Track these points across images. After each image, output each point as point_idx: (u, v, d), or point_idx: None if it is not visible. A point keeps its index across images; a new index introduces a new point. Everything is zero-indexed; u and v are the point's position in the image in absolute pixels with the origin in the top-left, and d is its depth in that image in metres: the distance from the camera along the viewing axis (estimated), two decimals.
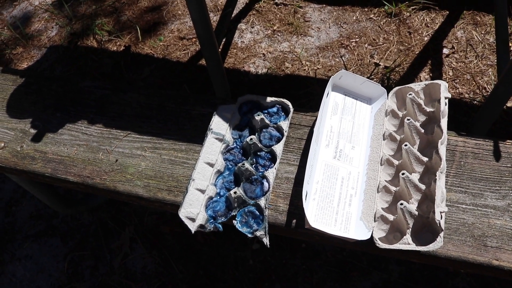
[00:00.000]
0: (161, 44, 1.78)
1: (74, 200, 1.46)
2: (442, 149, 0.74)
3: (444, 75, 1.50)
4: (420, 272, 1.23)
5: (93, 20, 1.90)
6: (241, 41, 1.71)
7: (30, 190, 1.25)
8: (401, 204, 0.71)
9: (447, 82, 1.47)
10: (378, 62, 1.54)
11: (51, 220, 1.49)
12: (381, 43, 1.59)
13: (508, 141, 0.85)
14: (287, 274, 1.28)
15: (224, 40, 1.72)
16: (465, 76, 1.49)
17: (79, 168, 0.93)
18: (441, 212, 0.68)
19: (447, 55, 1.53)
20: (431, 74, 1.51)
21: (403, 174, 0.74)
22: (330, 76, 1.52)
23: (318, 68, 1.57)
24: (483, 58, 1.51)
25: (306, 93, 1.52)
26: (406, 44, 1.57)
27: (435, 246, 0.67)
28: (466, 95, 1.45)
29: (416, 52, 1.54)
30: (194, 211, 0.79)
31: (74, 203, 1.45)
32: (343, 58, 1.58)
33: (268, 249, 1.28)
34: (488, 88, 1.45)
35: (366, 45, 1.59)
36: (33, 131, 1.01)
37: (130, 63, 1.76)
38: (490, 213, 0.78)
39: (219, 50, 1.65)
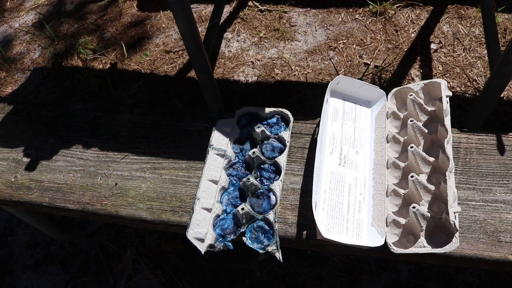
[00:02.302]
0: (147, 59, 1.76)
1: (72, 226, 1.42)
2: (449, 148, 0.73)
3: (434, 70, 1.51)
4: (429, 269, 1.23)
5: (76, 39, 1.87)
6: (228, 51, 1.69)
7: (27, 220, 1.21)
8: (413, 207, 0.70)
9: (437, 77, 1.47)
10: (367, 62, 1.54)
11: (49, 248, 1.45)
12: (369, 43, 1.59)
13: (510, 134, 0.85)
14: (296, 283, 1.26)
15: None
16: (454, 69, 1.49)
17: (78, 195, 0.91)
18: (454, 213, 0.67)
19: (435, 50, 1.53)
20: (421, 71, 1.51)
21: (412, 176, 0.73)
22: (321, 80, 1.51)
23: (308, 72, 1.56)
24: (470, 50, 1.52)
25: (299, 99, 1.51)
26: (394, 42, 1.57)
27: (452, 247, 0.66)
28: (458, 89, 1.45)
29: (405, 50, 1.55)
30: (202, 231, 0.77)
31: (72, 228, 1.41)
32: (332, 60, 1.57)
33: (274, 260, 1.26)
34: (479, 80, 1.46)
35: (354, 46, 1.59)
36: (26, 159, 0.98)
37: (118, 81, 1.73)
38: (501, 208, 0.77)
39: None
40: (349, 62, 1.56)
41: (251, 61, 1.64)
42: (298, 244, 0.81)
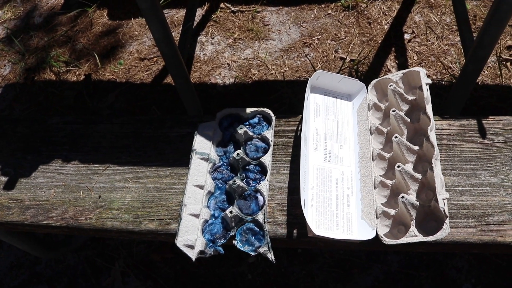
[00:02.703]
0: (122, 68, 1.74)
1: (56, 243, 1.39)
2: (433, 136, 0.73)
3: (409, 60, 1.52)
4: (419, 258, 1.23)
5: (48, 52, 1.83)
6: (203, 54, 1.68)
7: (8, 240, 1.18)
8: (402, 197, 0.70)
9: (413, 66, 1.48)
10: (343, 56, 1.54)
11: (34, 267, 1.41)
12: (343, 37, 1.59)
13: (490, 117, 0.86)
14: (288, 282, 1.25)
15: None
16: (429, 58, 1.51)
17: (61, 211, 0.88)
18: (443, 199, 0.67)
19: (409, 40, 1.55)
20: (396, 61, 1.52)
21: (398, 166, 0.73)
22: (299, 77, 1.51)
23: (285, 71, 1.56)
24: (443, 38, 1.54)
25: (278, 97, 1.51)
26: (368, 35, 1.58)
27: (443, 233, 0.67)
28: (434, 77, 1.47)
29: (379, 41, 1.56)
30: (191, 238, 0.76)
31: (56, 245, 1.38)
32: (308, 57, 1.57)
33: (266, 261, 1.25)
34: (454, 67, 1.48)
35: (328, 41, 1.59)
36: (4, 178, 0.95)
37: (93, 92, 1.70)
38: (487, 191, 0.78)
39: None
40: (325, 58, 1.56)
41: (227, 63, 1.63)
42: (290, 243, 0.80)
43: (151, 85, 1.66)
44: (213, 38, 1.71)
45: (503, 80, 1.45)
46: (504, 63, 1.47)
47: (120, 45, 1.80)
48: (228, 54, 1.65)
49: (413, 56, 1.52)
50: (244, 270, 1.28)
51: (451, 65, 1.49)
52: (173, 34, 1.74)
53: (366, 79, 1.33)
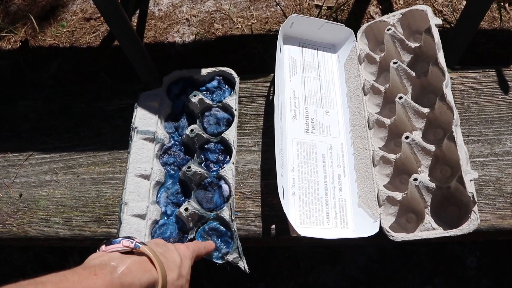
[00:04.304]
0: (65, 30, 1.49)
1: None
2: (449, 95, 0.54)
3: (394, 5, 1.32)
4: None
5: None
6: (158, 9, 1.44)
7: None
8: (415, 179, 0.52)
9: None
10: (319, 3, 1.33)
11: None
12: None
13: None
14: (270, 270, 1.09)
15: (138, 11, 1.44)
16: (417, 1, 1.31)
17: None
18: (470, 180, 0.49)
19: None
20: (380, 7, 1.32)
21: (407, 138, 0.54)
22: (269, 30, 1.30)
23: (253, 23, 1.35)
24: None
25: (245, 54, 1.29)
26: None
27: (471, 226, 0.49)
28: None
29: None
30: None
31: None
32: (279, 6, 1.35)
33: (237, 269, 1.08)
34: (445, 11, 1.29)
35: None
36: None
37: (32, 60, 1.46)
38: None
39: (133, 24, 1.38)
40: (298, 6, 1.35)
41: (186, 18, 1.40)
42: (267, 242, 0.63)
43: (99, 49, 1.43)
44: None
45: (502, 24, 1.27)
46: (503, 4, 1.29)
47: (61, 4, 1.55)
48: (187, 7, 1.42)
49: (399, 1, 1.32)
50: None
51: (442, 9, 1.30)
52: None
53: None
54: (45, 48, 1.48)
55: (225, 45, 1.32)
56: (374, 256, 1.09)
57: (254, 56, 1.27)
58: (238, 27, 1.34)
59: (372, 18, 1.31)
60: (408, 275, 1.06)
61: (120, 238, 0.41)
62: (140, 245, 0.41)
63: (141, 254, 0.41)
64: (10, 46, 1.50)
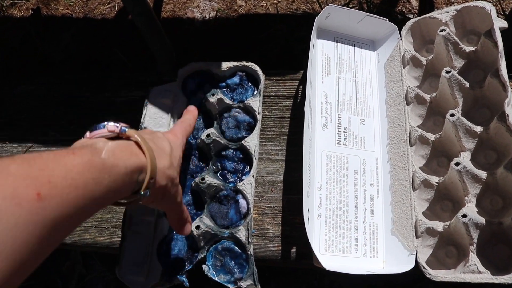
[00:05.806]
0: (78, 0, 1.41)
1: None
2: (511, 115, 0.46)
3: None
4: None
5: None
6: None
7: None
8: (464, 215, 0.45)
9: None
10: None
11: None
12: None
13: None
14: (282, 268, 1.03)
15: None
16: None
17: None
18: None
19: None
20: None
21: (457, 164, 0.47)
22: (296, 10, 1.21)
23: (278, 1, 1.25)
24: None
25: (270, 36, 1.20)
26: None
27: None
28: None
29: None
30: (139, 266, 0.51)
31: None
32: None
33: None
34: (506, 8, 1.17)
35: None
36: None
37: (44, 31, 1.39)
38: None
39: None
40: None
41: None
42: (284, 264, 0.56)
43: (114, 21, 1.35)
44: None
45: None
46: None
47: None
48: None
49: None
50: None
51: (503, 6, 1.18)
52: None
53: (381, 15, 1.04)
54: (57, 18, 1.41)
55: (247, 24, 1.23)
56: None
57: (278, 38, 1.18)
58: (262, 5, 1.25)
59: (409, 2, 1.20)
60: (428, 286, 1.00)
61: (105, 123, 0.36)
62: (126, 129, 0.37)
63: (128, 139, 0.37)
64: (21, 14, 1.43)
